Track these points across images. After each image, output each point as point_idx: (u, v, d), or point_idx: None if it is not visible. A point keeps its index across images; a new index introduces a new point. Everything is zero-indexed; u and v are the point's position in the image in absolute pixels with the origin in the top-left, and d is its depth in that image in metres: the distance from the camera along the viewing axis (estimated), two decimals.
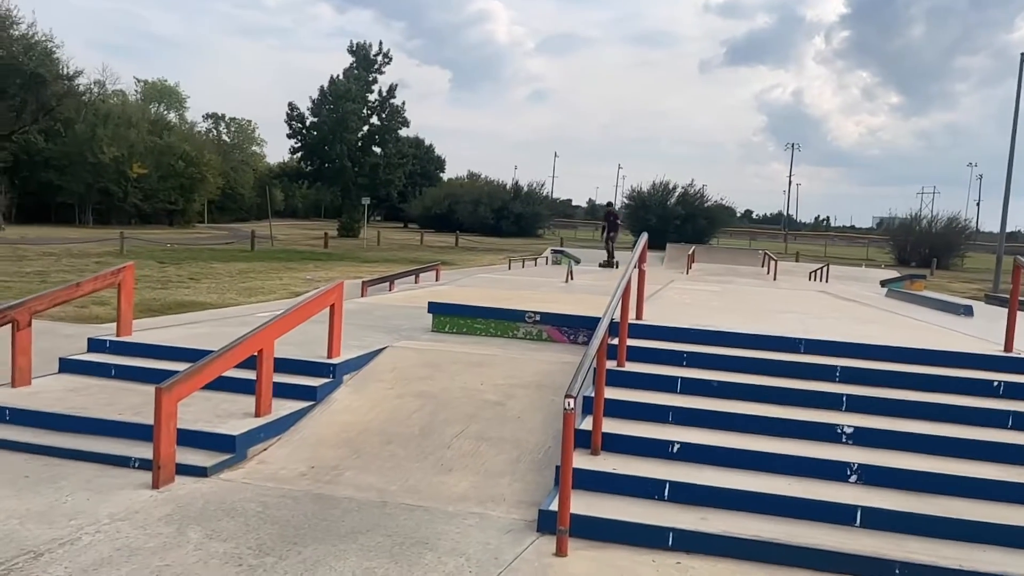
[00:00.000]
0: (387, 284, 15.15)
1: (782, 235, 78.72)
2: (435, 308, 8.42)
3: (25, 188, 47.21)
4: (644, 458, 5.02)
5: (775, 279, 20.28)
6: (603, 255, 23.29)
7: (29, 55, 38.33)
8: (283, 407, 5.86)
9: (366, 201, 47.07)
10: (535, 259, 26.98)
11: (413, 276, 16.81)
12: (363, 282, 14.43)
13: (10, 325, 6.20)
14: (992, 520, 4.35)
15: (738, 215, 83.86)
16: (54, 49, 40.57)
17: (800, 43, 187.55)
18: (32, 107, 40.66)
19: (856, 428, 5.20)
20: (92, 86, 51.43)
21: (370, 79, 53.29)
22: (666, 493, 4.67)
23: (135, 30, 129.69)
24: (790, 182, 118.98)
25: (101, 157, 47.73)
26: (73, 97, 44.17)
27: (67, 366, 6.77)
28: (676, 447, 5.08)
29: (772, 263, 23.14)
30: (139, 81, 69.23)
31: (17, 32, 39.40)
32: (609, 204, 24.37)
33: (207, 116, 76.91)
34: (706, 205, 59.44)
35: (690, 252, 24.35)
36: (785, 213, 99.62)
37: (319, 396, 6.18)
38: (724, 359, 6.19)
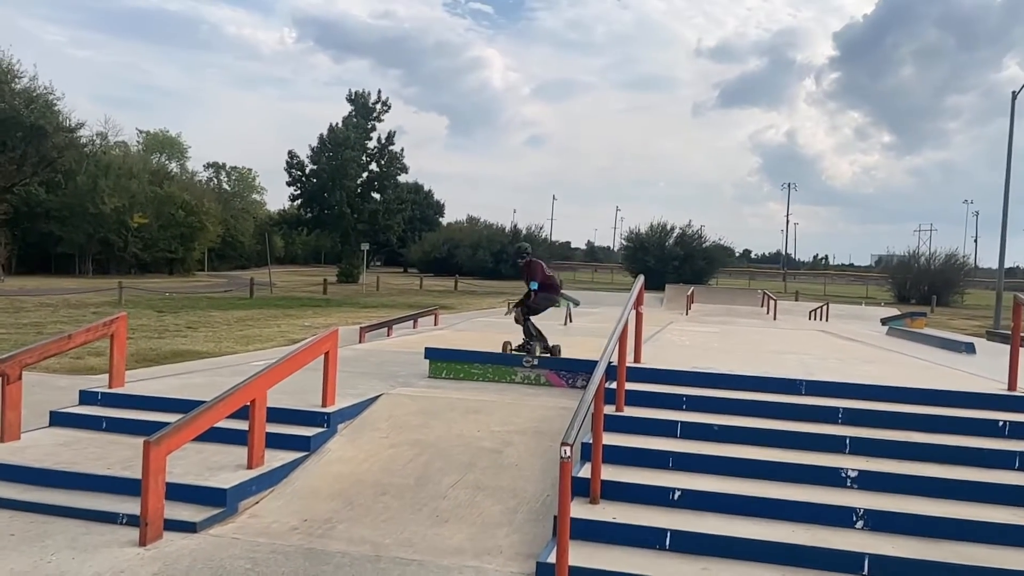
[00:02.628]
0: (385, 330, 15.07)
1: (781, 274, 78.84)
2: (432, 354, 8.34)
3: (25, 239, 47.43)
4: (645, 506, 4.90)
5: (775, 319, 20.21)
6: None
7: (30, 108, 38.87)
8: (276, 458, 5.75)
9: (365, 247, 47.25)
10: None
11: (411, 321, 16.74)
12: (361, 328, 14.36)
13: (0, 379, 6.12)
14: (1003, 565, 4.22)
15: (737, 255, 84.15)
16: (55, 102, 41.19)
17: (791, 85, 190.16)
18: (33, 159, 41.09)
19: (860, 471, 5.09)
20: (94, 138, 52.12)
21: (369, 127, 53.99)
22: (667, 542, 4.54)
23: (137, 83, 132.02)
24: (787, 221, 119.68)
25: (102, 208, 48.06)
26: (74, 149, 44.66)
27: (58, 419, 6.66)
28: (677, 494, 4.96)
29: (771, 303, 23.11)
30: (141, 132, 70.26)
31: (19, 86, 40.02)
32: (519, 248, 8.92)
33: (208, 165, 77.90)
34: (704, 246, 59.72)
35: (689, 293, 24.34)
36: (783, 252, 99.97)
37: (313, 446, 6.06)
38: (724, 402, 6.10)
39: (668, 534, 4.56)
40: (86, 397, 7.01)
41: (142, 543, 4.55)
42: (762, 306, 25.52)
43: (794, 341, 11.03)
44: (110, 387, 7.13)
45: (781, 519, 4.72)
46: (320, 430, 6.21)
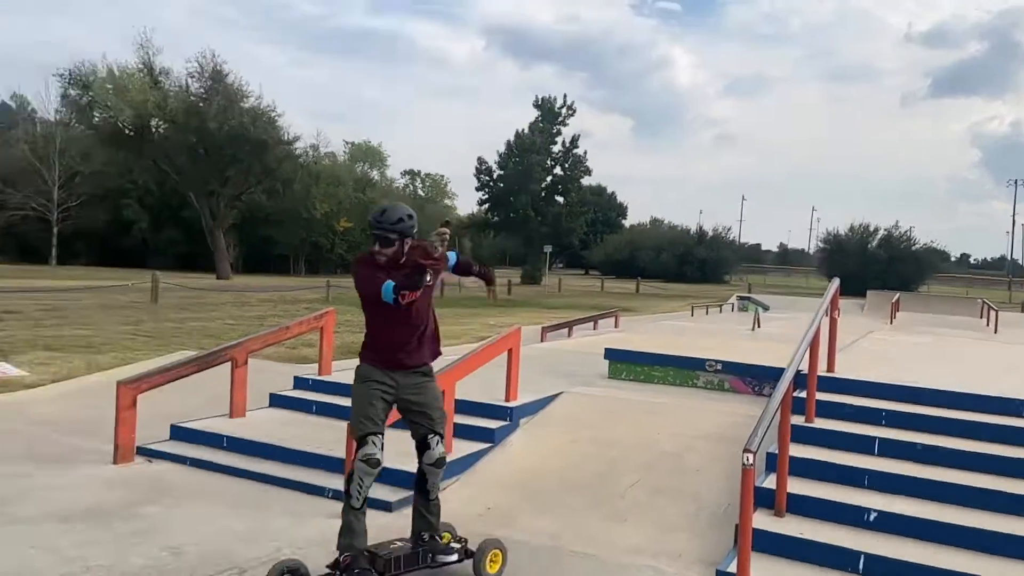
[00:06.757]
0: (566, 330, 15.31)
1: (1006, 282, 70.32)
2: (611, 354, 8.38)
3: (249, 242, 53.32)
4: (835, 524, 4.64)
5: (996, 332, 18.13)
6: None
7: (256, 124, 43.55)
8: (462, 448, 6.07)
9: (548, 249, 48.16)
10: (720, 306, 26.10)
11: (592, 322, 16.87)
12: (542, 328, 14.70)
13: (230, 363, 6.97)
14: None
15: (952, 259, 76.34)
16: (276, 118, 45.84)
17: (1018, 71, 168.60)
18: (257, 170, 45.97)
19: None
20: (308, 149, 57.37)
21: (554, 131, 54.95)
22: (860, 566, 4.27)
23: (344, 97, 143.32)
24: (1013, 223, 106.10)
25: (313, 213, 52.91)
26: (291, 160, 49.45)
27: (276, 401, 7.46)
28: (872, 515, 4.64)
29: (992, 314, 20.74)
30: (347, 143, 76.20)
31: (247, 104, 44.96)
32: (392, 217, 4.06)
33: (404, 173, 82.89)
34: (913, 248, 54.82)
35: (894, 300, 22.44)
36: (1009, 257, 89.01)
37: (496, 439, 6.33)
38: (929, 420, 5.61)
39: (861, 557, 4.29)
40: (299, 382, 7.78)
41: None
42: (981, 318, 22.96)
43: (1017, 357, 9.86)
44: (319, 375, 7.86)
45: (992, 553, 4.28)
46: (503, 424, 6.47)
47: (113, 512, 5.05)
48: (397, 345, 4.10)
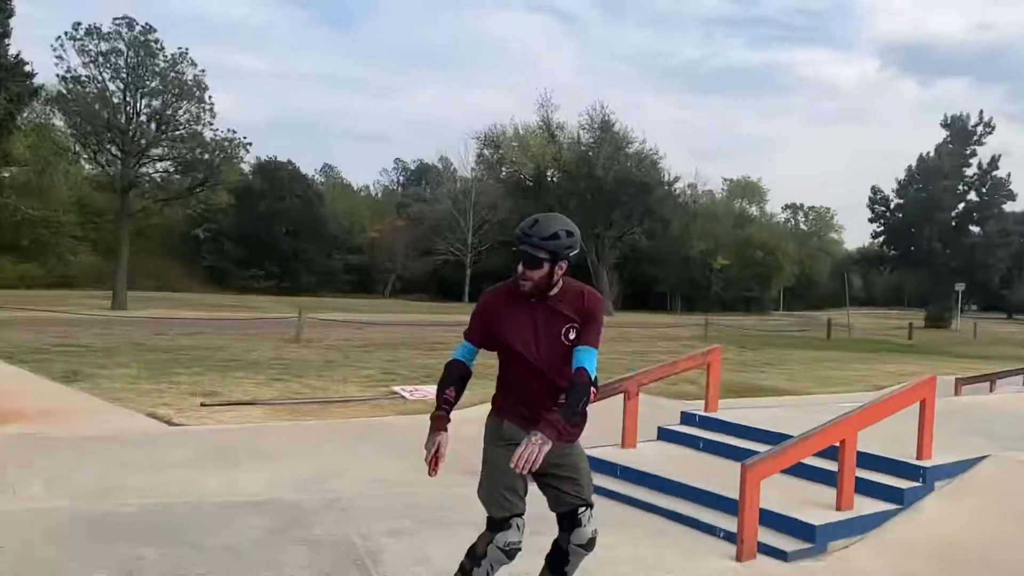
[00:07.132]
0: (988, 383, 13.19)
1: None
2: None
3: (629, 279, 55.92)
4: None
5: None
6: None
7: (639, 168, 45.88)
8: (864, 505, 5.58)
9: (960, 287, 41.96)
10: None
11: (1022, 376, 14.28)
12: (956, 379, 12.86)
13: (622, 395, 7.39)
14: None
15: None
16: (658, 160, 47.74)
17: None
18: (639, 212, 48.24)
19: None
20: (686, 189, 58.56)
21: (967, 152, 48.15)
22: None
23: (722, 135, 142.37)
24: None
25: (690, 252, 53.63)
26: (670, 200, 50.96)
27: (663, 434, 7.68)
28: None
29: None
30: (725, 180, 75.94)
31: (631, 149, 47.59)
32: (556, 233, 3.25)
33: (786, 207, 79.58)
34: None
35: None
36: None
37: (906, 500, 5.69)
38: None
39: None
40: (686, 418, 7.91)
41: (738, 559, 4.93)
42: None
43: None
44: (705, 411, 7.91)
45: None
46: (915, 484, 5.80)
47: None
48: (546, 407, 3.21)
